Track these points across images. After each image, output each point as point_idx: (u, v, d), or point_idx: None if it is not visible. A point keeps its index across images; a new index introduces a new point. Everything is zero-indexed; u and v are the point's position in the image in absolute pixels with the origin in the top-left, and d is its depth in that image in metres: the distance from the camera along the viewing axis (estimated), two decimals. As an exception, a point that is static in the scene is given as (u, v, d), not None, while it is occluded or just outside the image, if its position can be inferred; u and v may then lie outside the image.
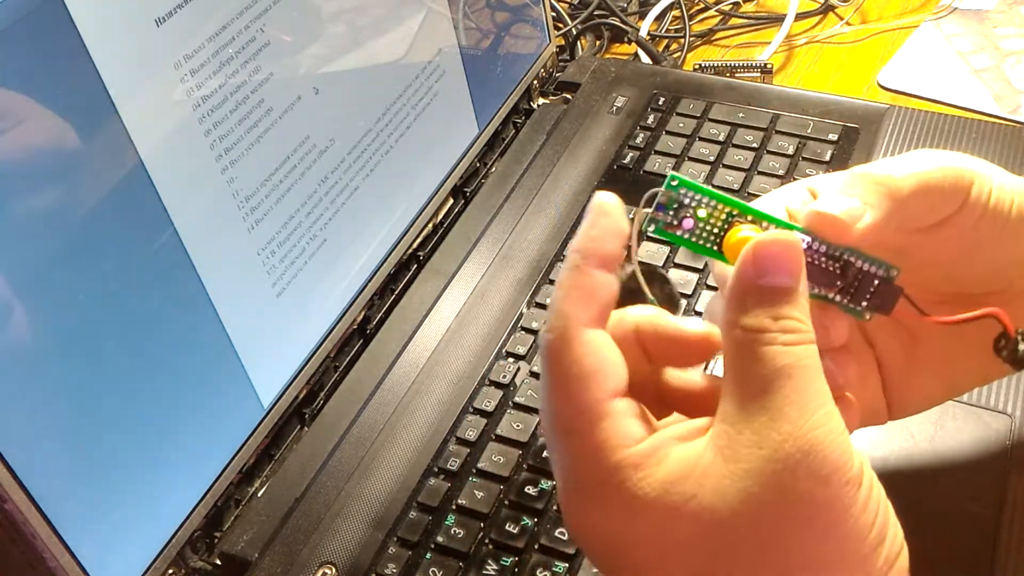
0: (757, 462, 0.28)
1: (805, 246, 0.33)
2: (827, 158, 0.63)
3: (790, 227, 0.33)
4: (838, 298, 0.34)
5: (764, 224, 0.33)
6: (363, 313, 0.57)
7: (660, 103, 0.69)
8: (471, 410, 0.52)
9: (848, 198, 0.34)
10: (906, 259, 0.35)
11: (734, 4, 0.83)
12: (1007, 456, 0.46)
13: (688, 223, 0.33)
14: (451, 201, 0.65)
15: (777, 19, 0.80)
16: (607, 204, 0.31)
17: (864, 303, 0.34)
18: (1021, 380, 0.48)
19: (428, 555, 0.46)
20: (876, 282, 0.34)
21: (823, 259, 0.33)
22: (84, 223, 0.40)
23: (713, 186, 0.61)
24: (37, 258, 0.38)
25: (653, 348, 0.34)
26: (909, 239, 0.36)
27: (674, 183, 0.32)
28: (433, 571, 0.46)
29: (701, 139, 0.66)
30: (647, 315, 0.34)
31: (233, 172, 0.46)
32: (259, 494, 0.51)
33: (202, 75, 0.44)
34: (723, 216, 0.33)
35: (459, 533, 0.47)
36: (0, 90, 0.36)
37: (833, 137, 0.64)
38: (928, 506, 0.44)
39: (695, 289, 0.56)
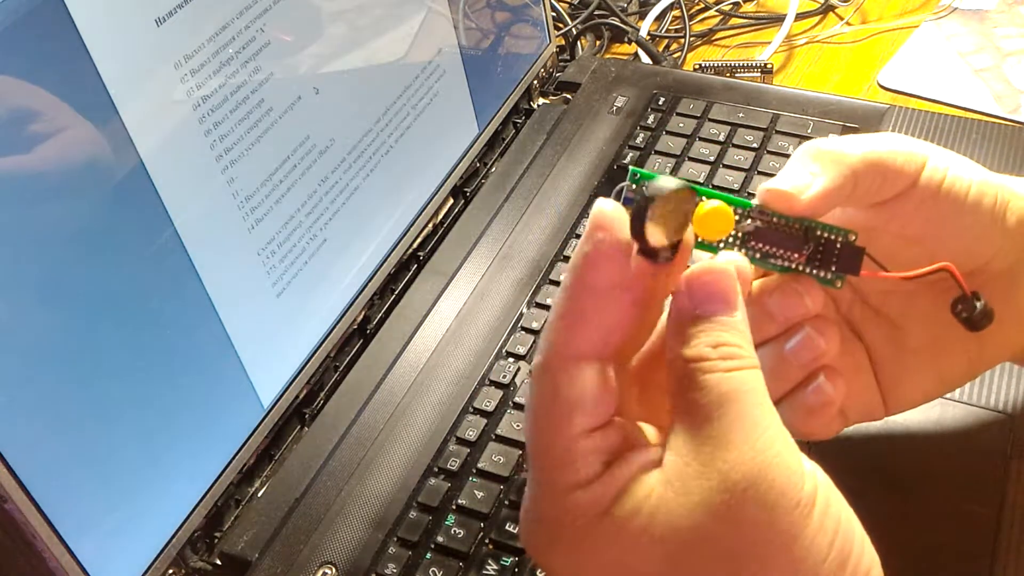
0: (705, 494, 0.28)
1: (763, 221, 0.35)
2: (827, 158, 0.63)
3: (745, 204, 0.35)
4: (807, 269, 0.36)
5: (735, 209, 0.35)
6: (363, 313, 0.57)
7: (660, 103, 0.69)
8: (471, 410, 0.52)
9: (797, 172, 0.35)
10: (877, 236, 0.37)
11: (734, 4, 0.83)
12: (1007, 456, 0.46)
13: None
14: (451, 201, 0.65)
15: (777, 19, 0.80)
16: (605, 216, 0.29)
17: (832, 269, 0.36)
18: (1020, 380, 0.48)
19: (428, 555, 0.46)
20: (838, 247, 0.36)
21: (783, 227, 0.35)
22: (84, 223, 0.40)
23: (712, 186, 0.61)
24: (36, 258, 0.38)
25: None
26: (872, 215, 0.37)
27: (636, 177, 0.33)
28: (433, 571, 0.46)
29: (701, 139, 0.66)
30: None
31: (233, 172, 0.46)
32: (259, 494, 0.51)
33: (202, 75, 0.44)
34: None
35: (459, 533, 0.47)
36: (0, 90, 0.36)
37: (833, 137, 0.64)
38: (928, 506, 0.44)
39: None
